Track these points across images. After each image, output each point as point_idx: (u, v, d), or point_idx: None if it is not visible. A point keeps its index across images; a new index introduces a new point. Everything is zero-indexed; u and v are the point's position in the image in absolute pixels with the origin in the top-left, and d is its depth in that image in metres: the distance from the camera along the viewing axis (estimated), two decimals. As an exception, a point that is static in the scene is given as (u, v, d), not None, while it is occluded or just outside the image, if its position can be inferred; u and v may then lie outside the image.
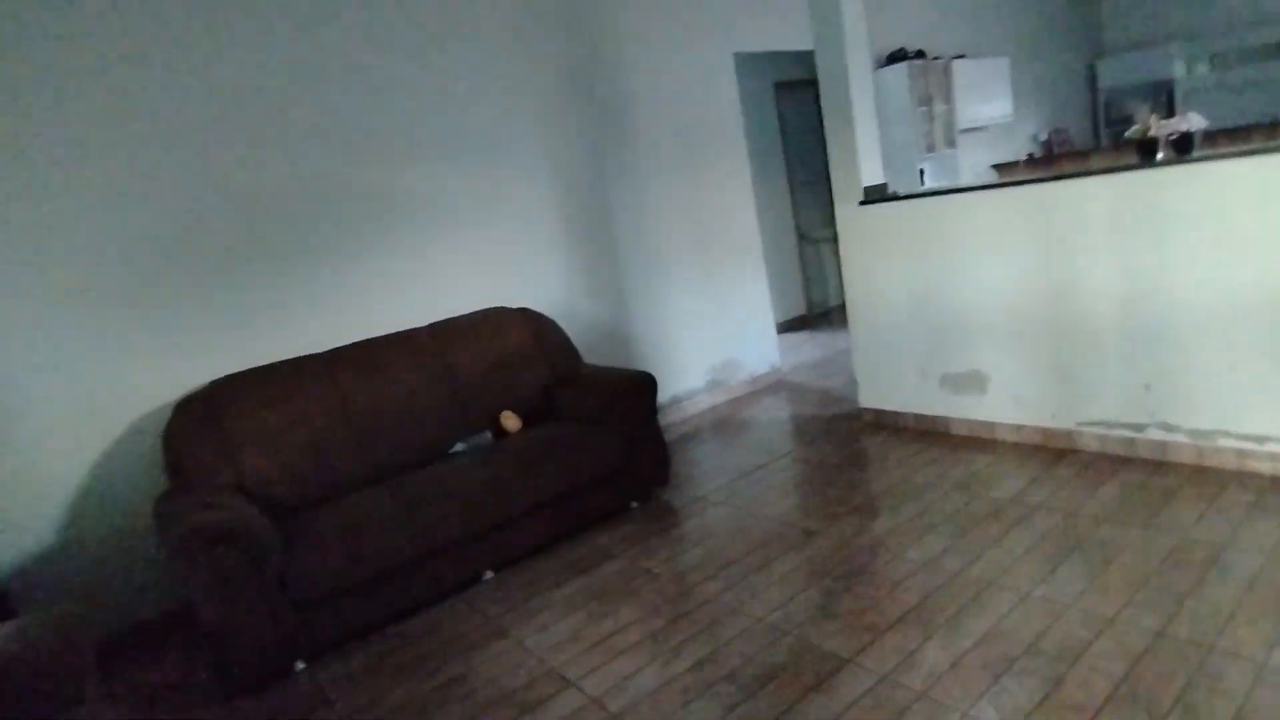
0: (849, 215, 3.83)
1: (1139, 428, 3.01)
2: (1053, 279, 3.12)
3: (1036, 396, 3.32)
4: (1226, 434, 2.78)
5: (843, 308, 4.33)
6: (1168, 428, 2.93)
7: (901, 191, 3.80)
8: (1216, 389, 2.77)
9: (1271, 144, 2.67)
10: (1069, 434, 3.24)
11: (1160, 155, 2.90)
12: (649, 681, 2.17)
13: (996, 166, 6.85)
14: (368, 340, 3.36)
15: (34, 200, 2.73)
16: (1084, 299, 3.05)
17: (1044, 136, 7.75)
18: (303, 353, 3.27)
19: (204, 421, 2.88)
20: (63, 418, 2.83)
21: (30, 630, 1.74)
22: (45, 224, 2.76)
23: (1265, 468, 2.71)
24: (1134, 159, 2.99)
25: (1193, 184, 2.67)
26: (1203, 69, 7.86)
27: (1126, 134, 3.04)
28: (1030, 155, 7.37)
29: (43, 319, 2.77)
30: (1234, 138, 5.34)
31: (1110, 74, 8.44)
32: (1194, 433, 2.87)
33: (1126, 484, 2.84)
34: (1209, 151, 2.83)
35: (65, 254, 2.80)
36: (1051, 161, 6.80)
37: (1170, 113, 7.99)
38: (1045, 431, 3.32)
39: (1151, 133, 2.89)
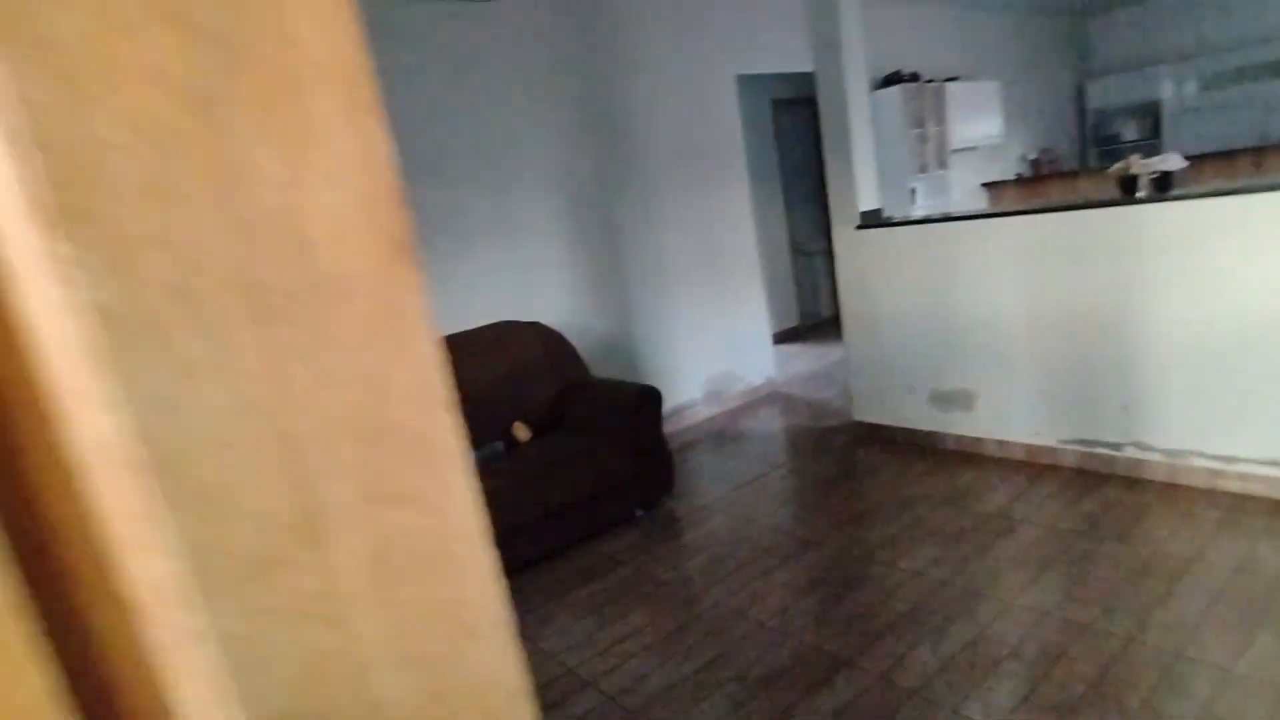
0: (846, 238, 4.01)
1: (1117, 446, 3.20)
2: (1038, 303, 3.31)
3: (1021, 414, 3.50)
4: (1198, 454, 2.98)
5: (835, 319, 4.51)
6: (1143, 447, 3.12)
7: (896, 217, 3.98)
8: (1190, 412, 2.96)
9: (1241, 185, 2.86)
10: (1051, 450, 3.43)
11: (1141, 192, 3.09)
12: (662, 681, 2.33)
13: (986, 186, 7.05)
14: (386, 352, 3.49)
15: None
16: (1068, 323, 3.23)
17: (1033, 156, 7.98)
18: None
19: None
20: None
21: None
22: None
23: (1234, 486, 2.90)
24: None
25: (1170, 220, 2.87)
26: (1191, 89, 8.04)
27: (1109, 170, 3.24)
28: (1019, 175, 7.59)
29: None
30: (1219, 164, 5.55)
31: (1099, 95, 8.66)
32: (1168, 452, 3.06)
33: (1104, 500, 3.03)
34: (1188, 190, 3.03)
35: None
36: (1039, 181, 7.02)
37: (1157, 132, 8.19)
38: (1029, 448, 3.51)
39: (1133, 171, 3.08)
